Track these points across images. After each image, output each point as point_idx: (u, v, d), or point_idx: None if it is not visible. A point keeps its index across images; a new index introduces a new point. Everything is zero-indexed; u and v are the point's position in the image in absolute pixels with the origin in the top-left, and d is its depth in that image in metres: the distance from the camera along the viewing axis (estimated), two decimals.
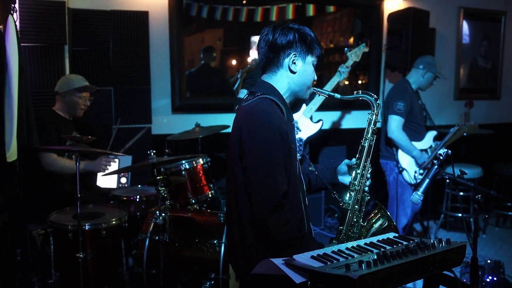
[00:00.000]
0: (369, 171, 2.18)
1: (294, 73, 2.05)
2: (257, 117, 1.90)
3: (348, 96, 2.20)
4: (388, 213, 2.19)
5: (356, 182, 2.16)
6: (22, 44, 3.73)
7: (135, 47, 4.46)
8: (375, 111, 2.19)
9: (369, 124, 2.20)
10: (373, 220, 2.19)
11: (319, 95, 2.19)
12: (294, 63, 2.03)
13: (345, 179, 2.29)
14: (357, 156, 2.19)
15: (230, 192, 2.04)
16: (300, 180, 2.10)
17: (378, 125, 2.24)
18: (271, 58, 2.04)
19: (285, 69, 2.05)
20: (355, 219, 2.16)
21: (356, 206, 2.16)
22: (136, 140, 4.22)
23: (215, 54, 5.01)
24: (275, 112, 1.94)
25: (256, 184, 1.85)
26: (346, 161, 2.27)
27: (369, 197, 2.20)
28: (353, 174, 2.18)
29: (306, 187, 2.23)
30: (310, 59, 2.06)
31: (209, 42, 5.03)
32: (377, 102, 2.19)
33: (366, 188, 2.19)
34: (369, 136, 2.19)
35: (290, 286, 1.55)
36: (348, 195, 2.17)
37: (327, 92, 2.17)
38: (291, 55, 2.02)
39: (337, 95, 2.16)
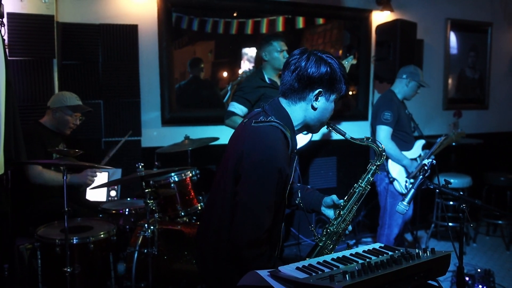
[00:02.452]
0: (352, 216, 2.14)
1: (314, 109, 1.99)
2: (262, 150, 1.85)
3: (357, 140, 2.13)
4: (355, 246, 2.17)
5: (335, 223, 2.13)
6: (10, 58, 3.74)
7: (124, 61, 4.47)
8: (377, 163, 2.15)
9: (368, 173, 2.16)
10: None
11: (330, 131, 2.14)
12: (318, 100, 1.98)
13: (327, 212, 2.25)
14: (345, 198, 2.16)
15: (214, 198, 2.03)
16: (284, 208, 2.09)
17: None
18: (296, 88, 1.96)
19: (306, 102, 1.99)
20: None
21: (329, 243, 2.12)
22: (118, 151, 4.17)
23: (203, 65, 5.03)
24: (282, 147, 1.90)
25: (242, 215, 1.84)
26: (335, 197, 2.21)
27: (343, 239, 2.16)
28: (336, 214, 2.15)
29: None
30: (334, 97, 2.00)
31: (200, 54, 5.05)
32: (383, 154, 2.15)
33: (347, 232, 2.16)
34: (363, 184, 2.14)
35: None
36: (324, 231, 2.14)
37: (340, 130, 2.11)
38: (317, 91, 1.95)
39: (348, 136, 2.11)
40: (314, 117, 2.02)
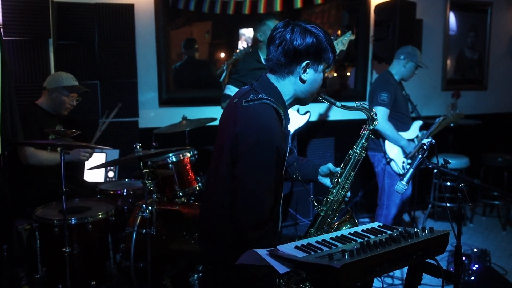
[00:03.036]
0: (350, 183, 2.13)
1: (303, 82, 1.96)
2: (257, 131, 1.82)
3: (349, 105, 2.11)
4: (357, 221, 2.15)
5: (334, 192, 2.12)
6: (5, 38, 3.70)
7: (121, 41, 4.43)
8: (370, 127, 2.13)
9: (361, 138, 2.14)
10: (342, 227, 2.14)
11: (321, 100, 2.12)
12: (306, 72, 1.94)
13: (325, 181, 2.25)
14: (341, 165, 2.15)
15: (214, 181, 2.01)
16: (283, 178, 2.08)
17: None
18: (283, 63, 1.93)
19: (294, 76, 1.96)
20: (325, 226, 2.12)
21: (330, 213, 2.12)
22: (112, 130, 4.13)
23: (197, 46, 4.98)
24: (276, 125, 1.88)
25: (244, 198, 1.83)
26: (331, 166, 2.21)
27: (344, 206, 2.16)
28: (334, 182, 2.14)
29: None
30: (322, 67, 1.97)
31: (197, 35, 5.00)
32: (375, 118, 2.13)
33: (346, 198, 2.15)
34: (358, 150, 2.13)
35: (264, 274, 1.55)
36: (324, 200, 2.14)
37: (330, 100, 2.08)
38: (304, 64, 1.92)
39: (338, 104, 2.08)
40: (304, 90, 1.99)
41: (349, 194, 2.15)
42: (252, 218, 1.82)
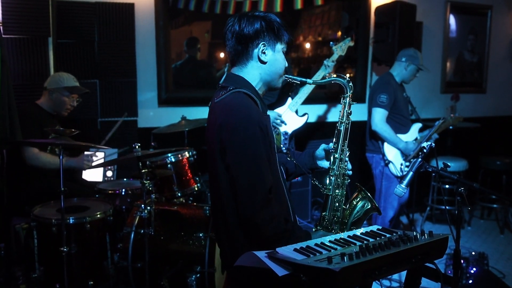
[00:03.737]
0: (347, 154, 2.17)
1: (264, 63, 2.00)
2: (235, 114, 1.85)
3: (321, 80, 2.20)
4: (369, 193, 2.19)
5: (335, 167, 2.14)
6: (4, 36, 3.69)
7: (120, 40, 4.42)
8: (348, 94, 2.17)
9: (344, 107, 2.17)
10: (354, 203, 2.19)
11: (290, 82, 2.16)
12: (264, 53, 1.98)
13: (324, 164, 2.28)
14: (334, 140, 2.17)
15: (213, 188, 2.01)
16: (281, 170, 2.09)
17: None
18: (240, 50, 1.99)
19: (255, 60, 2.00)
20: (337, 204, 2.15)
21: (337, 191, 2.14)
22: (116, 131, 4.16)
23: (199, 45, 4.98)
24: (252, 106, 1.91)
25: (243, 182, 1.82)
26: (324, 145, 2.25)
27: (349, 180, 2.18)
28: (332, 159, 2.16)
29: (285, 176, 2.21)
30: (280, 46, 2.02)
31: (197, 34, 4.99)
32: (350, 84, 2.17)
33: (349, 172, 2.18)
34: (344, 119, 2.16)
35: (274, 278, 1.55)
36: (328, 180, 2.15)
37: (299, 78, 2.13)
38: (260, 45, 1.97)
39: (309, 80, 2.13)
40: (268, 71, 2.02)
41: (349, 166, 2.19)
42: (257, 199, 1.79)
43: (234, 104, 1.89)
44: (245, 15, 1.98)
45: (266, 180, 1.83)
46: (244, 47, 1.98)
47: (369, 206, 2.18)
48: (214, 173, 1.96)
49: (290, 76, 2.13)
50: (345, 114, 2.17)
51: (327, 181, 2.16)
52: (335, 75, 2.16)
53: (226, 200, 1.91)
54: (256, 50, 1.98)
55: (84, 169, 3.59)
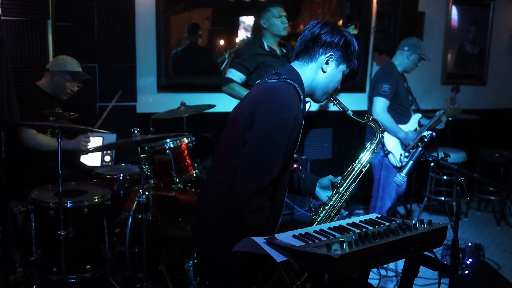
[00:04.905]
0: (349, 194, 2.16)
1: (323, 72, 2.01)
2: (278, 98, 1.85)
3: (358, 118, 2.19)
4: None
5: (334, 199, 2.14)
6: (3, 18, 3.65)
7: (120, 24, 4.37)
8: (376, 141, 2.18)
9: (367, 151, 2.18)
10: None
11: (334, 104, 2.15)
12: (327, 64, 1.99)
13: (321, 194, 2.26)
14: (344, 175, 2.17)
15: (215, 168, 2.00)
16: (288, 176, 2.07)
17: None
18: (309, 48, 1.99)
19: (317, 65, 2.00)
20: None
21: (326, 220, 2.12)
22: (111, 114, 4.13)
23: (201, 32, 4.94)
24: (296, 100, 1.91)
25: (250, 162, 1.79)
26: (331, 177, 2.24)
27: (339, 216, 2.16)
28: (334, 191, 2.16)
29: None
30: (343, 67, 2.02)
31: (197, 21, 4.95)
32: (382, 134, 2.19)
33: (342, 211, 2.17)
34: (363, 162, 2.17)
35: (248, 262, 1.54)
36: (321, 208, 2.14)
37: (343, 105, 2.13)
38: (329, 54, 1.98)
39: (350, 112, 2.14)
40: (321, 81, 2.02)
41: (344, 205, 2.17)
42: (253, 183, 1.75)
43: (281, 91, 1.88)
44: (331, 24, 2.01)
45: (272, 171, 1.80)
46: (314, 47, 1.98)
47: None
48: (226, 149, 1.95)
49: (337, 99, 2.13)
50: (366, 158, 2.17)
51: (320, 209, 2.15)
52: (372, 119, 2.21)
53: (223, 180, 1.90)
54: (323, 57, 1.99)
55: (81, 151, 3.56)
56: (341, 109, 2.14)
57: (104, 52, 4.36)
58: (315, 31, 1.98)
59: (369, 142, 2.19)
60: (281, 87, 1.90)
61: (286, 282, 1.79)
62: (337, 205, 2.13)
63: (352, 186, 2.15)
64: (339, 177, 2.18)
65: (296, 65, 2.04)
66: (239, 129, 1.89)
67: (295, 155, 2.10)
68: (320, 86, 2.04)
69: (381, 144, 4.16)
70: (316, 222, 2.11)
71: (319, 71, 2.01)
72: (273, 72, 2.05)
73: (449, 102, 5.81)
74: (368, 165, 2.16)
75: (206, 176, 2.12)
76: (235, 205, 1.79)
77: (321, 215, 2.12)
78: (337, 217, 2.14)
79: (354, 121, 2.24)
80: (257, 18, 4.69)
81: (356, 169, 2.16)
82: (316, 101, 2.14)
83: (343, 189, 2.15)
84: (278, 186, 1.93)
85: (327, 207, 2.13)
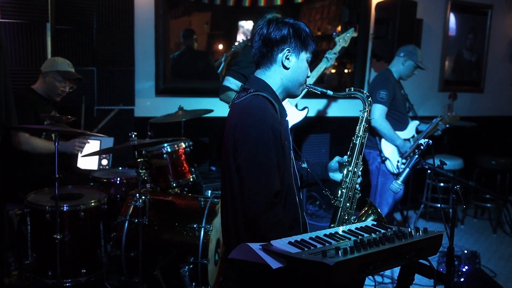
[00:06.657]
0: (360, 168, 2.18)
1: (287, 69, 2.02)
2: (250, 116, 1.87)
3: (341, 93, 2.18)
4: (379, 210, 2.17)
5: (347, 180, 2.15)
6: (2, 20, 3.65)
7: (119, 27, 4.38)
8: (366, 109, 2.17)
9: (361, 121, 2.18)
10: (364, 218, 2.16)
11: (311, 91, 2.17)
12: (288, 59, 2.01)
13: (336, 176, 2.28)
14: (348, 153, 2.18)
15: (225, 189, 2.02)
16: (295, 176, 2.08)
17: None
18: (265, 53, 2.01)
19: (278, 65, 2.02)
20: (346, 217, 2.15)
21: (348, 204, 2.15)
22: (111, 119, 4.15)
23: (196, 36, 4.95)
24: (268, 110, 1.91)
25: (249, 183, 1.82)
26: (338, 158, 2.25)
27: (360, 195, 2.19)
28: (345, 172, 2.16)
29: (299, 183, 2.21)
30: (304, 55, 2.03)
31: (196, 25, 4.97)
32: (369, 99, 2.17)
33: (357, 186, 2.19)
34: (361, 133, 2.17)
35: (271, 274, 1.54)
36: (340, 192, 2.15)
37: (320, 89, 2.15)
38: (285, 50, 1.99)
39: (330, 92, 2.14)
40: (290, 77, 2.04)
41: (359, 180, 2.19)
42: (261, 201, 1.79)
43: (251, 107, 1.91)
44: (275, 20, 2.01)
45: (272, 184, 1.83)
46: (269, 50, 2.00)
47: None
48: (227, 173, 1.97)
49: (311, 86, 2.15)
50: (361, 128, 2.18)
51: (339, 193, 2.16)
52: (354, 89, 2.17)
53: (237, 202, 1.92)
54: (280, 55, 2.00)
55: (75, 153, 3.55)
56: (320, 93, 2.16)
57: (103, 55, 4.37)
58: (263, 32, 2.00)
59: (361, 112, 2.19)
60: (250, 103, 1.92)
61: None
62: (353, 183, 2.15)
63: (360, 160, 2.17)
64: (345, 156, 2.19)
65: (259, 73, 2.06)
66: (230, 152, 1.93)
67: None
68: (291, 83, 2.06)
69: (379, 150, 4.18)
70: (340, 209, 2.14)
71: (283, 70, 2.03)
72: (241, 87, 2.08)
73: (446, 109, 5.82)
74: (366, 135, 2.18)
75: (221, 194, 2.12)
76: (253, 228, 1.84)
77: (341, 199, 2.14)
78: (357, 196, 2.18)
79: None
80: (254, 24, 4.70)
81: (357, 143, 2.17)
82: (295, 96, 2.17)
83: (353, 166, 2.16)
84: (284, 191, 1.96)
85: (344, 190, 2.15)
